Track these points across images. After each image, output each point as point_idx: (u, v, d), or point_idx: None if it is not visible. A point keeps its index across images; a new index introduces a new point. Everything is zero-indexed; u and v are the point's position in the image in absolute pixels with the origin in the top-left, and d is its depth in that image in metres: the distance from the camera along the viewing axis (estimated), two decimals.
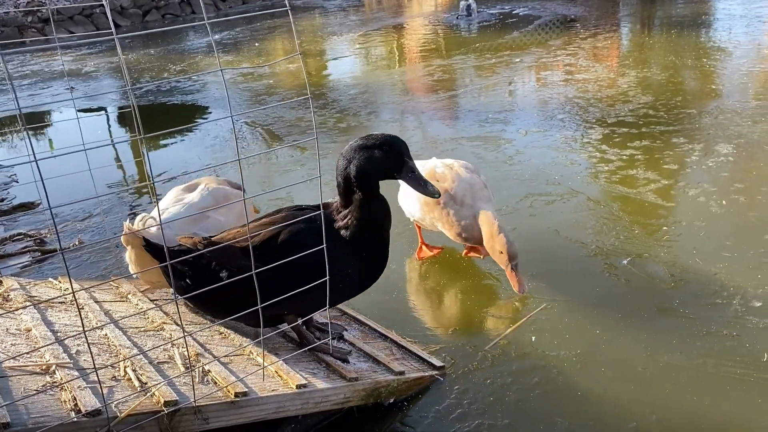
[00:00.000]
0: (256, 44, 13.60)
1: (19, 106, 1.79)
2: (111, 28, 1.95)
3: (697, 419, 2.59)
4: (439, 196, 2.65)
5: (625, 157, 5.31)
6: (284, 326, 2.95)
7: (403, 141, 2.58)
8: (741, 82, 7.28)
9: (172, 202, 3.40)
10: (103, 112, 9.42)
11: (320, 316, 3.25)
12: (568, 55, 9.39)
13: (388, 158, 2.53)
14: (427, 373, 2.90)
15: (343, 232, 2.60)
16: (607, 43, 10.09)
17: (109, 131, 8.43)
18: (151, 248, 2.64)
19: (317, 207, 2.66)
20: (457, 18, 14.06)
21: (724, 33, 10.13)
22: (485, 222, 3.52)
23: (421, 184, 2.58)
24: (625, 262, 3.77)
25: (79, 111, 9.08)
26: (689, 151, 5.33)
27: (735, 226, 4.07)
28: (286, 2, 2.27)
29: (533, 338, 3.18)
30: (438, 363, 2.97)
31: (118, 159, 6.96)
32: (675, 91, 7.10)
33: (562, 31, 11.60)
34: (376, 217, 2.62)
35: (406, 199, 3.93)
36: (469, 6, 14.05)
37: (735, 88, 7.11)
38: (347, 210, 2.62)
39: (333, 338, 3.04)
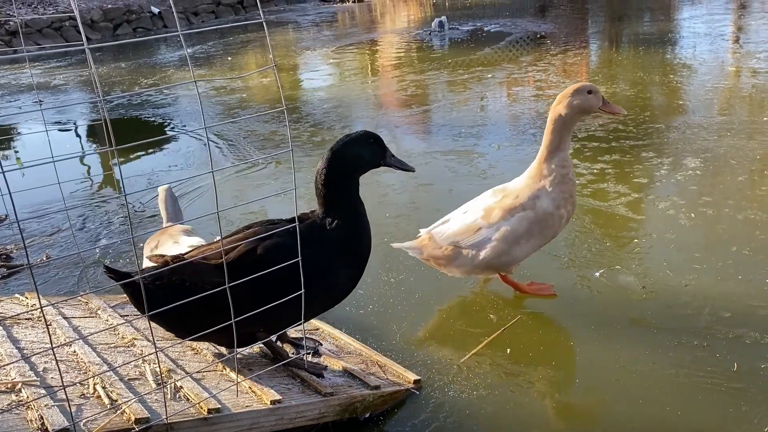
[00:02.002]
0: (229, 58, 13.56)
1: None
2: (80, 42, 1.93)
3: (671, 429, 2.61)
4: (414, 170, 2.84)
5: (595, 170, 5.39)
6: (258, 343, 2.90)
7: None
8: (706, 98, 7.46)
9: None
10: (72, 126, 9.27)
11: (294, 331, 3.21)
12: (539, 71, 9.54)
13: (375, 147, 2.68)
14: (402, 387, 2.89)
15: (337, 235, 2.59)
16: (576, 59, 10.27)
17: (80, 144, 8.29)
18: (115, 275, 2.54)
19: (291, 220, 2.67)
20: (430, 34, 14.20)
21: (690, 50, 10.39)
22: (550, 115, 3.35)
23: (404, 163, 2.78)
24: (597, 274, 3.81)
25: (48, 124, 8.93)
26: (658, 165, 5.43)
27: (704, 238, 4.15)
28: (261, 15, 2.27)
29: (508, 350, 3.19)
30: (413, 376, 2.96)
31: (87, 173, 6.85)
32: (643, 107, 7.24)
33: (533, 47, 11.78)
34: (364, 216, 2.69)
35: (484, 249, 3.44)
36: (441, 22, 14.20)
37: (701, 103, 7.28)
38: (334, 212, 2.62)
39: (308, 353, 3.02)
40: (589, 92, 3.30)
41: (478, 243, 3.45)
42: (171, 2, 1.96)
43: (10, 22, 16.39)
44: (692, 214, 4.46)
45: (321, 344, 3.17)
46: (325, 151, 2.65)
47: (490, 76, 9.61)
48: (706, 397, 2.76)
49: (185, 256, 2.60)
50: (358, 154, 2.63)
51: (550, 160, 3.40)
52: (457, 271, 3.60)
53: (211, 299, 2.29)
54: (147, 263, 4.17)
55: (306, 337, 3.14)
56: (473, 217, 3.50)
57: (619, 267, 3.87)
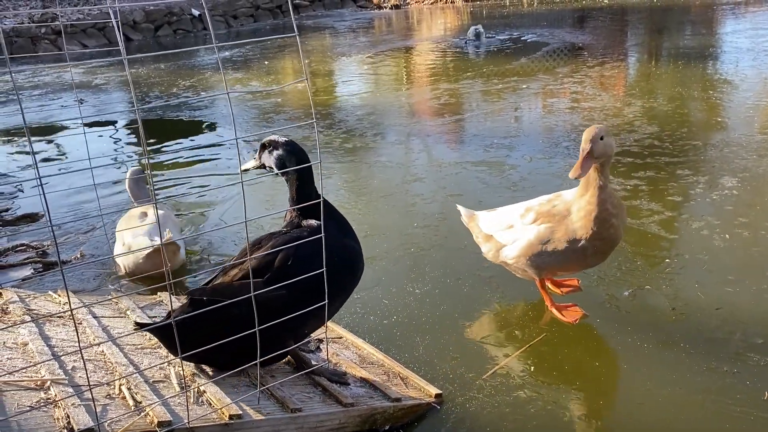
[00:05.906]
0: (266, 62, 13.71)
1: (25, 121, 1.80)
2: (121, 46, 1.98)
3: None
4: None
5: (629, 187, 5.31)
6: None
7: None
8: (747, 116, 7.29)
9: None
10: (111, 126, 9.47)
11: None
12: (575, 83, 9.44)
13: None
14: (423, 401, 2.88)
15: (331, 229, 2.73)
16: (614, 72, 10.14)
17: (117, 146, 8.47)
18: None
19: (292, 226, 2.82)
20: (466, 43, 14.17)
21: (731, 66, 10.17)
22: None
23: None
24: (626, 293, 3.75)
25: (86, 124, 9.14)
26: (694, 184, 5.32)
27: (738, 260, 4.05)
28: (293, 25, 2.30)
29: (532, 368, 3.16)
30: (435, 390, 2.95)
31: (124, 168, 6.99)
32: (681, 123, 7.12)
33: (570, 58, 11.67)
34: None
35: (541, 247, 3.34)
36: (477, 31, 14.16)
37: (741, 121, 7.11)
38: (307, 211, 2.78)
39: (311, 351, 3.07)
40: (602, 138, 3.03)
41: (505, 238, 3.51)
42: (206, 11, 1.99)
43: (56, 22, 16.84)
44: (727, 235, 4.36)
45: (321, 340, 3.20)
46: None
47: (525, 86, 9.54)
48: (734, 425, 2.70)
49: (224, 281, 2.63)
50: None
51: (590, 186, 3.15)
52: (487, 255, 3.68)
53: (259, 313, 2.31)
54: (119, 245, 4.39)
55: (312, 339, 3.19)
56: (513, 213, 3.54)
57: (649, 287, 3.80)
